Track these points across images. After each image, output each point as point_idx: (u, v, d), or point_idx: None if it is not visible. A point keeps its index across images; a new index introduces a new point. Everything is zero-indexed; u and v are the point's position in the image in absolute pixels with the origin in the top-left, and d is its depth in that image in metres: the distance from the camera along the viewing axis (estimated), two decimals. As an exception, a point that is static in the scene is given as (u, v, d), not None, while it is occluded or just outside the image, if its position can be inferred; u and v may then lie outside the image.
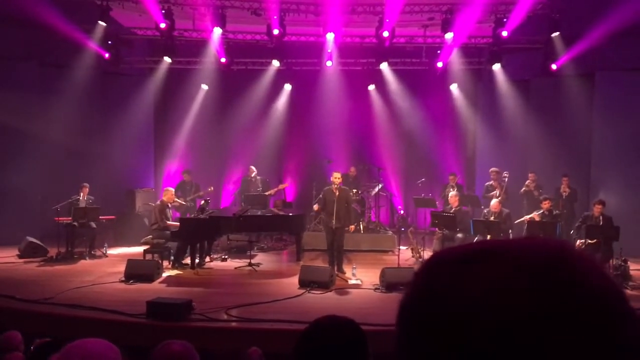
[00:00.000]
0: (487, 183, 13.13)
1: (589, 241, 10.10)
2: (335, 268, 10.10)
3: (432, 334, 0.66)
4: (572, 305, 0.62)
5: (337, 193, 10.20)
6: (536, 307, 0.62)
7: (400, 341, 0.72)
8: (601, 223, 10.29)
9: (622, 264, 9.71)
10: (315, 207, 10.57)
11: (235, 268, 10.84)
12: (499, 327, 0.61)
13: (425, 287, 0.71)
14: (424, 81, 15.07)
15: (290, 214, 12.79)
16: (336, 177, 10.36)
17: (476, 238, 10.66)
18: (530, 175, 12.76)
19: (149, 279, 9.38)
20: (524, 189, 12.66)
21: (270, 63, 14.30)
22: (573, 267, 0.66)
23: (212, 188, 14.17)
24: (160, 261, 10.42)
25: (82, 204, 11.99)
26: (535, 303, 0.62)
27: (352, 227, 10.56)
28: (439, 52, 13.99)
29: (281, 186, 14.35)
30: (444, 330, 0.65)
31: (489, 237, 10.41)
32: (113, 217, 12.92)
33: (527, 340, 0.60)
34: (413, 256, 11.82)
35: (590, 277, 0.65)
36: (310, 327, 2.01)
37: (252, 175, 14.27)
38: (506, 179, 12.52)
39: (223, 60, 14.24)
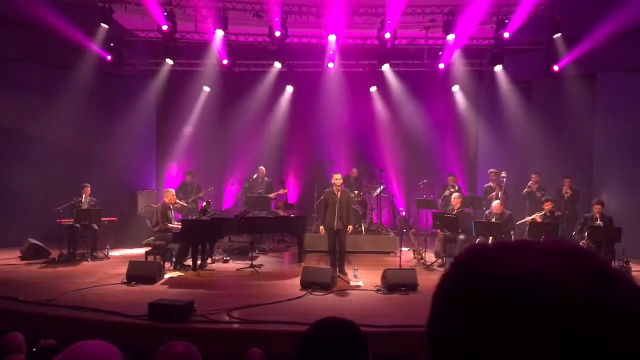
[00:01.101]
0: (486, 185, 13.14)
1: (591, 243, 10.09)
2: (338, 270, 10.11)
3: (476, 315, 0.70)
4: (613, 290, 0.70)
5: (339, 195, 10.20)
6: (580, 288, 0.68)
7: (438, 324, 0.76)
8: (600, 223, 10.27)
9: (624, 265, 9.69)
10: (321, 229, 10.56)
11: (237, 269, 10.85)
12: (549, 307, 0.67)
13: (470, 270, 0.75)
14: (425, 83, 15.07)
15: (292, 216, 12.80)
16: (336, 178, 10.36)
17: (478, 239, 10.67)
18: (533, 176, 12.76)
19: (151, 280, 9.38)
20: (526, 189, 12.66)
21: (272, 65, 14.32)
22: (598, 257, 0.75)
23: (212, 188, 14.17)
24: (162, 263, 10.43)
25: (84, 206, 12.00)
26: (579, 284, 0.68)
27: (351, 227, 10.50)
28: (440, 53, 13.99)
29: (281, 191, 14.34)
30: (490, 310, 0.69)
31: (490, 238, 10.42)
32: (115, 218, 12.93)
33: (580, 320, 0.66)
34: (415, 257, 11.81)
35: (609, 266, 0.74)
36: (311, 329, 2.01)
37: (262, 176, 14.27)
38: (504, 180, 12.54)
39: (225, 62, 14.27)
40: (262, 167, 14.41)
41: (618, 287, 0.70)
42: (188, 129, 15.55)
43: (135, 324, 7.10)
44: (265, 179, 14.34)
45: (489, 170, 13.07)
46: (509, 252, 0.75)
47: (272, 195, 14.04)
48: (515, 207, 12.08)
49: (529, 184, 12.68)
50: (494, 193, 12.66)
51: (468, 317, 0.70)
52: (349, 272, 10.20)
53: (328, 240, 10.39)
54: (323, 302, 8.43)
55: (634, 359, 0.66)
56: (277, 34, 12.84)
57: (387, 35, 12.79)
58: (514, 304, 0.67)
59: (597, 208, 10.44)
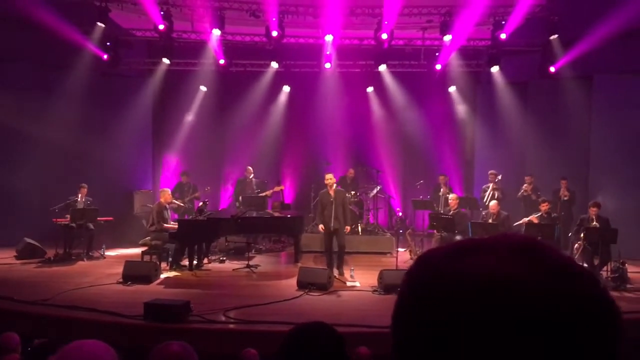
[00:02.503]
0: (484, 186, 13.15)
1: (587, 245, 10.11)
2: (337, 271, 10.09)
3: (433, 320, 0.68)
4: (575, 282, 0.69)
5: (334, 195, 10.20)
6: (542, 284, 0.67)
7: (398, 340, 0.74)
8: (596, 225, 10.29)
9: (620, 266, 9.71)
10: (321, 227, 10.55)
11: (234, 270, 10.84)
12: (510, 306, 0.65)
13: (422, 282, 0.73)
14: (422, 83, 15.06)
15: (289, 216, 12.79)
16: (328, 179, 10.36)
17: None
18: (526, 178, 12.79)
19: (147, 280, 9.37)
20: (522, 192, 12.68)
21: (269, 65, 14.30)
22: (554, 249, 0.73)
23: (208, 188, 14.15)
24: (158, 263, 10.41)
25: (80, 205, 11.98)
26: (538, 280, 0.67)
27: (348, 228, 10.49)
28: (437, 54, 14.00)
29: (277, 188, 14.32)
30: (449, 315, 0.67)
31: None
32: (111, 218, 12.89)
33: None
34: (411, 258, 11.82)
35: (564, 257, 0.73)
36: (291, 333, 2.05)
37: (250, 176, 14.25)
38: (497, 180, 12.62)
39: (222, 61, 14.24)
40: (249, 167, 14.39)
41: (573, 284, 0.68)
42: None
43: (131, 323, 7.09)
44: (254, 179, 14.29)
45: (489, 172, 13.08)
46: (457, 256, 0.72)
47: (268, 192, 14.02)
48: (510, 209, 12.09)
49: (523, 186, 12.71)
50: (487, 193, 12.69)
51: (425, 335, 0.69)
52: (346, 272, 10.19)
53: (324, 241, 10.39)
54: (319, 303, 8.42)
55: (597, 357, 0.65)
56: (274, 33, 12.84)
57: (384, 36, 12.79)
58: (470, 314, 0.66)
59: (593, 210, 10.45)
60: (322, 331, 2.06)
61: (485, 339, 0.64)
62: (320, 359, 1.98)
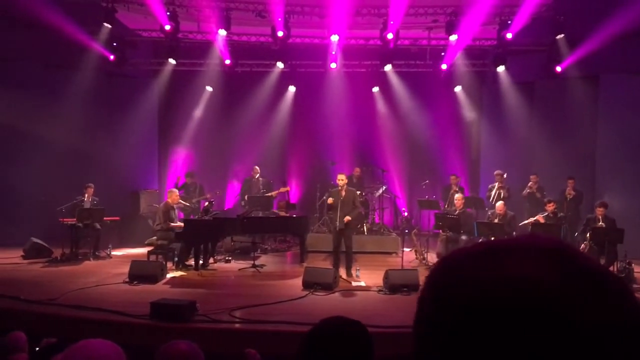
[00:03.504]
0: (490, 185, 13.12)
1: (593, 245, 10.09)
2: (345, 272, 10.06)
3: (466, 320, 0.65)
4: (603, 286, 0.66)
5: (343, 194, 10.19)
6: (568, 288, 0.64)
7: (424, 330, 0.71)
8: (602, 225, 10.25)
9: (627, 266, 9.68)
10: (330, 200, 10.47)
11: (239, 269, 10.86)
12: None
13: (446, 288, 0.70)
14: (428, 83, 15.04)
15: (294, 216, 12.80)
16: (340, 179, 10.34)
17: (480, 240, 10.66)
18: (532, 177, 12.76)
19: (153, 280, 9.39)
20: (527, 190, 12.65)
21: (274, 65, 14.32)
22: (580, 253, 0.70)
23: (219, 192, 14.17)
24: (164, 262, 10.43)
25: (87, 205, 12.02)
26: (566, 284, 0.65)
27: (348, 218, 10.06)
28: (443, 54, 13.98)
29: (282, 189, 14.33)
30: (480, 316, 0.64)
31: (493, 239, 10.39)
32: (117, 218, 12.94)
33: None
34: (417, 258, 11.80)
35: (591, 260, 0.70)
36: (318, 328, 2.01)
37: (256, 176, 14.28)
38: (503, 180, 12.61)
39: (227, 62, 14.28)
40: (256, 167, 14.41)
41: (605, 294, 0.65)
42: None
43: (137, 323, 7.11)
44: (260, 178, 14.32)
45: (495, 172, 13.05)
46: (483, 260, 0.69)
47: (273, 193, 14.04)
48: (516, 208, 12.06)
49: (529, 184, 12.67)
50: (492, 192, 12.66)
51: (448, 344, 0.66)
52: (352, 272, 10.18)
53: (333, 240, 10.36)
54: (325, 303, 8.43)
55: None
56: (280, 34, 12.85)
57: (390, 36, 12.80)
58: (500, 326, 0.63)
59: (600, 210, 10.41)
60: (347, 326, 2.04)
61: (514, 349, 0.62)
62: (347, 356, 1.95)
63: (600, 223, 10.31)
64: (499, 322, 0.63)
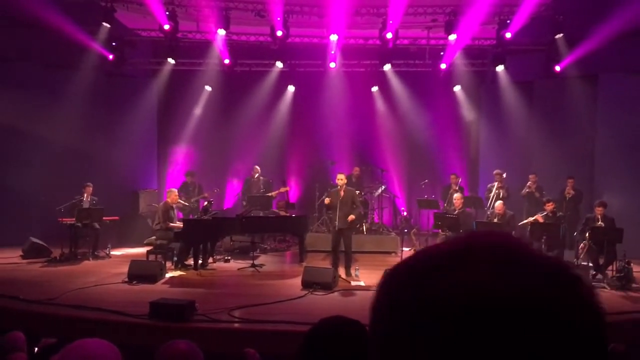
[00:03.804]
0: (490, 185, 13.12)
1: (592, 244, 10.09)
2: (344, 271, 10.06)
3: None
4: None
5: (342, 194, 10.18)
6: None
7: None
8: (601, 224, 10.25)
9: (626, 265, 9.67)
10: (327, 200, 10.49)
11: (238, 269, 10.85)
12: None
13: (388, 312, 0.70)
14: (427, 83, 15.04)
15: (294, 215, 12.79)
16: (339, 178, 10.34)
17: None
18: (530, 176, 12.75)
19: (152, 279, 9.38)
20: (526, 190, 12.65)
21: (273, 64, 14.32)
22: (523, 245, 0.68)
23: (217, 190, 14.17)
24: (163, 262, 10.43)
25: (86, 205, 12.01)
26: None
27: (352, 217, 10.10)
28: (442, 53, 13.98)
29: (282, 189, 14.32)
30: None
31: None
32: (116, 217, 12.93)
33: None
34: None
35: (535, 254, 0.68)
36: (318, 327, 2.00)
37: (256, 175, 14.28)
38: (502, 179, 12.60)
39: (227, 61, 14.27)
40: (257, 166, 14.41)
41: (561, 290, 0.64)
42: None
43: (136, 323, 7.11)
44: (261, 177, 14.32)
45: (494, 172, 13.04)
46: (426, 273, 0.67)
47: (273, 193, 14.04)
48: (515, 208, 12.06)
49: (528, 184, 12.67)
50: (492, 192, 12.66)
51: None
52: (351, 272, 10.18)
53: (332, 240, 10.36)
54: (324, 302, 8.43)
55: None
56: (279, 33, 12.85)
57: (389, 35, 12.80)
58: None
59: (599, 210, 10.41)
60: (346, 326, 2.03)
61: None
62: (347, 356, 1.94)
63: (600, 222, 10.32)
64: (463, 332, 0.61)
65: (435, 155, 15.63)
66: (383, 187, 14.26)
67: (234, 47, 14.32)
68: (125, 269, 9.60)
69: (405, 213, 15.55)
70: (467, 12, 12.47)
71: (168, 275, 10.05)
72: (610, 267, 9.97)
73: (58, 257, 11.24)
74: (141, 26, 13.96)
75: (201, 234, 10.88)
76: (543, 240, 10.20)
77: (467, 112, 15.56)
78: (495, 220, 11.01)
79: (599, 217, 10.37)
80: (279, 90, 15.64)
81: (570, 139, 13.44)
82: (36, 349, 4.62)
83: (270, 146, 15.66)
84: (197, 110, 15.58)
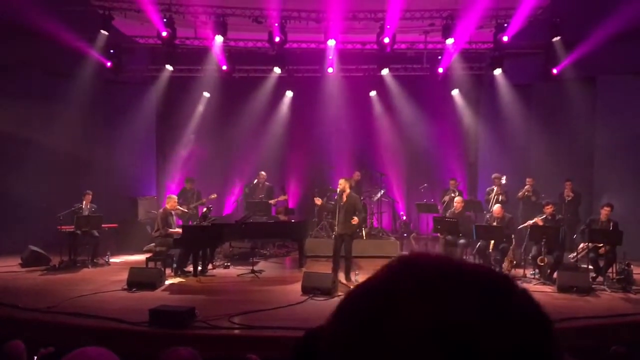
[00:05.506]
0: (489, 188, 13.11)
1: (592, 245, 10.09)
2: (344, 276, 10.04)
3: None
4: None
5: (345, 199, 10.17)
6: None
7: None
8: (610, 227, 10.23)
9: (626, 267, 9.67)
10: (318, 200, 10.47)
11: (238, 275, 10.83)
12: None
13: (363, 323, 0.70)
14: (425, 87, 15.05)
15: (293, 221, 12.78)
16: (340, 184, 10.34)
17: (479, 243, 10.67)
18: (528, 180, 12.76)
19: (152, 286, 9.36)
20: (524, 192, 12.63)
21: (271, 70, 14.32)
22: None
23: (215, 195, 14.15)
24: (162, 269, 10.41)
25: (85, 212, 11.99)
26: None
27: (356, 219, 10.10)
28: (440, 57, 13.98)
29: (281, 198, 14.29)
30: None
31: (492, 242, 10.44)
32: (115, 225, 12.91)
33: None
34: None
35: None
36: (302, 340, 2.00)
37: (259, 181, 14.23)
38: (502, 184, 12.58)
39: (224, 67, 14.28)
40: (262, 172, 14.38)
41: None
42: (190, 137, 15.54)
43: (136, 330, 7.09)
44: (266, 184, 14.33)
45: (493, 176, 13.03)
46: (378, 307, 0.70)
47: (272, 201, 14.02)
48: (512, 211, 12.05)
49: (525, 187, 12.67)
50: (491, 196, 12.65)
51: None
52: (350, 276, 10.15)
53: (334, 245, 10.35)
54: (324, 308, 8.39)
55: None
56: (277, 39, 12.86)
57: (387, 40, 12.80)
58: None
59: (605, 210, 10.39)
60: None
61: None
62: None
63: (604, 221, 10.30)
64: None
65: (434, 159, 15.63)
66: (382, 191, 14.26)
67: (231, 53, 14.34)
68: (124, 276, 9.58)
69: (404, 217, 15.55)
70: (464, 16, 12.48)
71: (168, 282, 10.03)
72: (610, 269, 9.96)
73: (57, 265, 11.22)
74: (139, 33, 13.96)
75: (200, 241, 10.86)
76: (542, 243, 10.19)
77: (466, 115, 15.56)
78: (494, 223, 11.00)
79: (605, 218, 10.35)
80: (278, 95, 15.65)
81: (568, 142, 13.46)
82: (36, 357, 4.60)
83: (269, 151, 15.65)
84: (196, 117, 15.57)
